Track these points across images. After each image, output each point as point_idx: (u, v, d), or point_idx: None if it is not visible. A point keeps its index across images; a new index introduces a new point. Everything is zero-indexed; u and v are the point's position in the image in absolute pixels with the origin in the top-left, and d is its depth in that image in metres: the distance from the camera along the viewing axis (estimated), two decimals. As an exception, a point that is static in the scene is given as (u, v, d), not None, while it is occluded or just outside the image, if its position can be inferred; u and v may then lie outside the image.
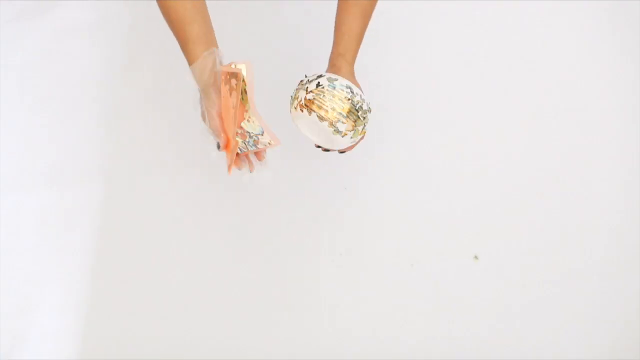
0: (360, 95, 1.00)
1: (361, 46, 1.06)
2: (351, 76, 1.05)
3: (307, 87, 1.00)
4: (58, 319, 1.32)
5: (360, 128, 1.02)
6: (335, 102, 0.98)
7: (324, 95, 0.98)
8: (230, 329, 1.41)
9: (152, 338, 1.38)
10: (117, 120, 1.24)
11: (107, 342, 1.35)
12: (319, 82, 0.99)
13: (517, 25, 1.48)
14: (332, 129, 0.99)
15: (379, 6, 1.08)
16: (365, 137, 1.06)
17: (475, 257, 1.45)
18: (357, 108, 1.00)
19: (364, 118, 1.02)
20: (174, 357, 1.39)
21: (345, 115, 0.99)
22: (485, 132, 1.46)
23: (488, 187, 1.46)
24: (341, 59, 1.05)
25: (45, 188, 1.24)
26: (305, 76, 1.04)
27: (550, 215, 1.48)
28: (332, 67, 1.05)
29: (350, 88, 0.99)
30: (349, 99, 0.99)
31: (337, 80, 0.99)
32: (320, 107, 0.98)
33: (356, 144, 1.06)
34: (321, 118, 0.98)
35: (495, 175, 1.46)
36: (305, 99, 0.98)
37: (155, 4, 1.18)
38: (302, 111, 0.99)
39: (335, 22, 1.07)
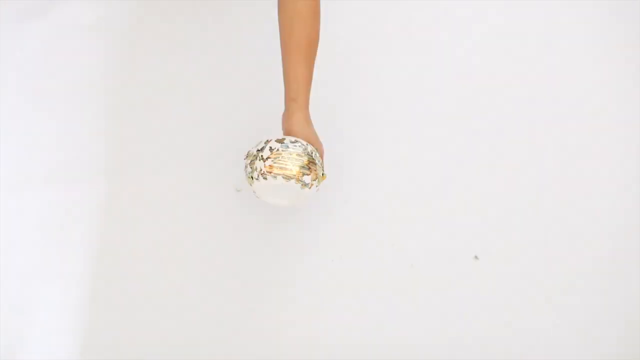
0: (307, 146, 1.08)
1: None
2: (305, 121, 1.12)
3: (261, 156, 1.06)
4: (58, 318, 1.32)
5: (320, 173, 1.09)
6: (294, 159, 1.04)
7: (281, 157, 1.04)
8: (228, 331, 1.41)
9: (152, 338, 1.37)
10: (118, 119, 1.24)
11: (107, 343, 1.35)
12: (270, 147, 1.06)
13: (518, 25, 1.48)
14: (299, 185, 1.05)
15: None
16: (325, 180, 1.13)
17: (476, 257, 1.45)
18: (313, 157, 1.07)
19: (319, 163, 1.09)
20: (174, 358, 1.39)
21: (307, 167, 1.05)
22: (483, 129, 1.46)
23: (487, 185, 1.45)
24: (294, 105, 1.11)
25: (46, 187, 1.24)
26: (249, 151, 1.10)
27: (553, 214, 1.47)
28: (286, 112, 1.12)
29: (298, 141, 1.07)
30: (305, 152, 1.06)
31: (284, 139, 1.06)
32: (283, 168, 1.04)
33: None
34: (287, 178, 1.04)
35: (494, 174, 1.46)
36: (265, 166, 1.04)
37: (155, 2, 1.18)
38: (266, 178, 1.05)
39: (283, 68, 1.13)
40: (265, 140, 1.08)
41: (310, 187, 1.06)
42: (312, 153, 1.06)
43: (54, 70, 1.19)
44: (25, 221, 1.26)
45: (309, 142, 1.09)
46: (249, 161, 1.08)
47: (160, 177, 1.29)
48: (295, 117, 1.10)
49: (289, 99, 1.11)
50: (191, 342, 1.39)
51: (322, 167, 1.10)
